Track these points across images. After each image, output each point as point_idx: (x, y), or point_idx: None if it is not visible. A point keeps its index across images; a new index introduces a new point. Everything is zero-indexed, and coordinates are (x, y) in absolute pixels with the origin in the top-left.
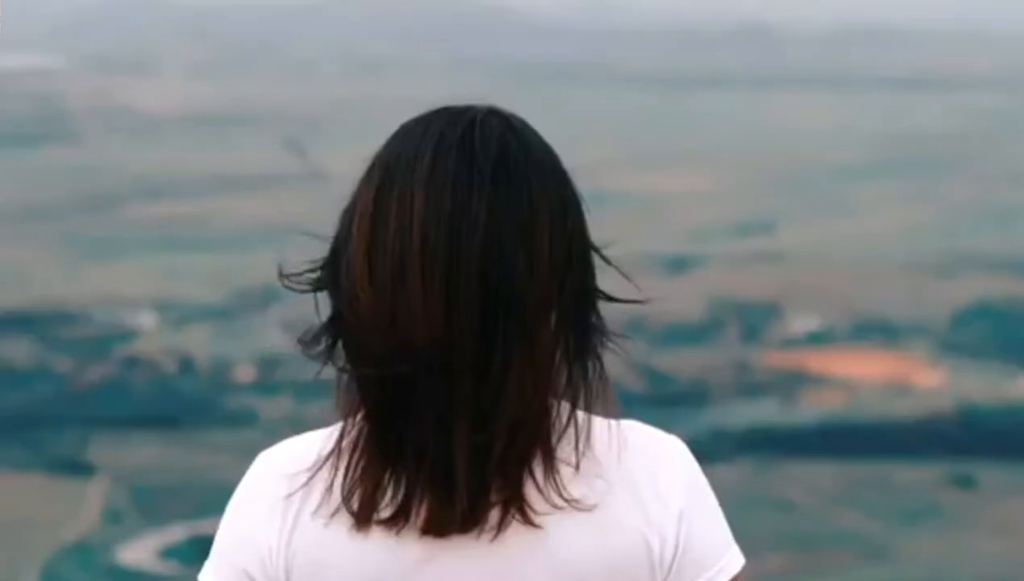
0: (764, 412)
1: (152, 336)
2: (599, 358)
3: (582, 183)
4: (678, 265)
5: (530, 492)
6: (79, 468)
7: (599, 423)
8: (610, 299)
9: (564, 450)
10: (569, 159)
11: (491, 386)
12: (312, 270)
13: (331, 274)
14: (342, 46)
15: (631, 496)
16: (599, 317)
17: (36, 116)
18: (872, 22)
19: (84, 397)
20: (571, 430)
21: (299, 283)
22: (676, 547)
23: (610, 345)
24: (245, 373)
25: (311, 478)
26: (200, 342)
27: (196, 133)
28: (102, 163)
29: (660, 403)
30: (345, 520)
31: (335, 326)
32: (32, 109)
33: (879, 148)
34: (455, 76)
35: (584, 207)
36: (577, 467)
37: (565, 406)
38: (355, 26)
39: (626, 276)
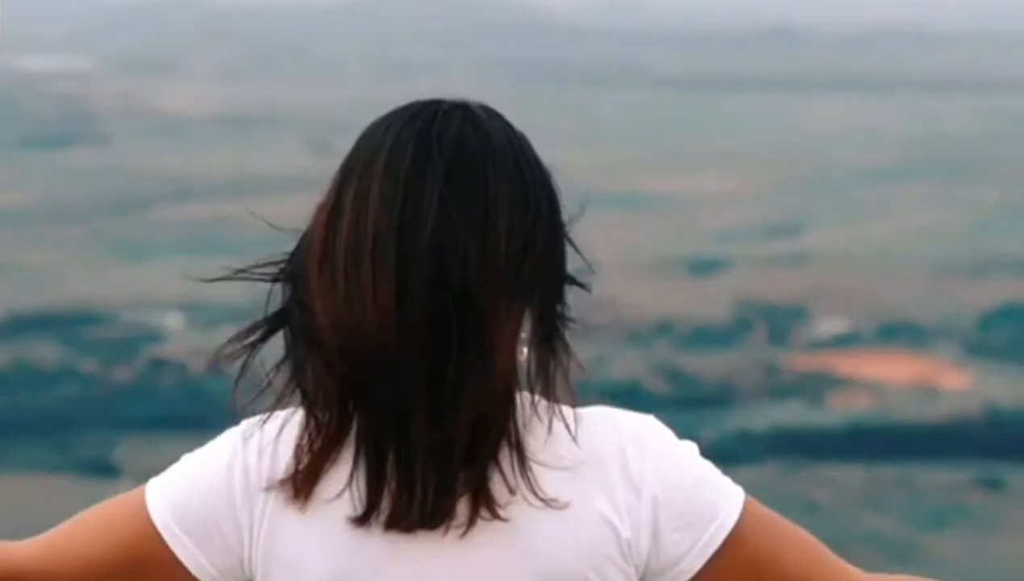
0: (791, 414)
1: (179, 337)
2: (565, 351)
3: (609, 185)
4: (705, 267)
5: (497, 487)
6: (105, 469)
7: (566, 413)
8: (568, 319)
9: (530, 444)
10: (595, 161)
11: (447, 382)
12: (277, 262)
13: (291, 268)
14: (369, 48)
15: (600, 487)
16: (561, 315)
17: (62, 118)
18: (900, 24)
19: (111, 398)
20: (537, 423)
21: (262, 275)
22: (652, 534)
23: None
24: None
25: (285, 470)
26: None
27: (223, 135)
28: (129, 164)
29: (686, 405)
30: (313, 514)
31: (286, 317)
32: (58, 111)
33: (907, 150)
34: (483, 78)
35: (560, 201)
36: (544, 461)
37: (530, 398)
38: (382, 28)
39: (587, 285)
